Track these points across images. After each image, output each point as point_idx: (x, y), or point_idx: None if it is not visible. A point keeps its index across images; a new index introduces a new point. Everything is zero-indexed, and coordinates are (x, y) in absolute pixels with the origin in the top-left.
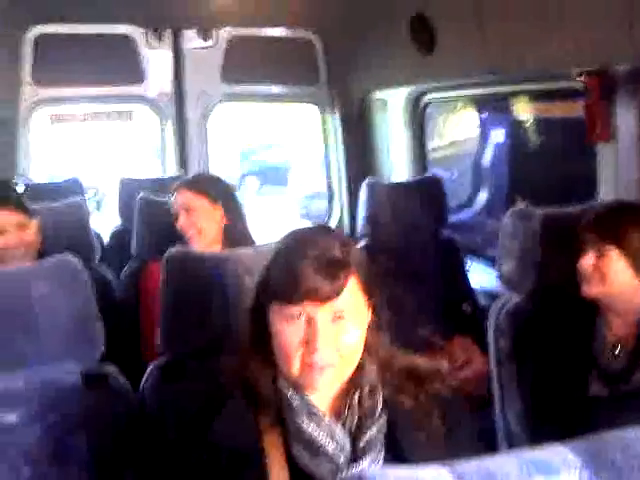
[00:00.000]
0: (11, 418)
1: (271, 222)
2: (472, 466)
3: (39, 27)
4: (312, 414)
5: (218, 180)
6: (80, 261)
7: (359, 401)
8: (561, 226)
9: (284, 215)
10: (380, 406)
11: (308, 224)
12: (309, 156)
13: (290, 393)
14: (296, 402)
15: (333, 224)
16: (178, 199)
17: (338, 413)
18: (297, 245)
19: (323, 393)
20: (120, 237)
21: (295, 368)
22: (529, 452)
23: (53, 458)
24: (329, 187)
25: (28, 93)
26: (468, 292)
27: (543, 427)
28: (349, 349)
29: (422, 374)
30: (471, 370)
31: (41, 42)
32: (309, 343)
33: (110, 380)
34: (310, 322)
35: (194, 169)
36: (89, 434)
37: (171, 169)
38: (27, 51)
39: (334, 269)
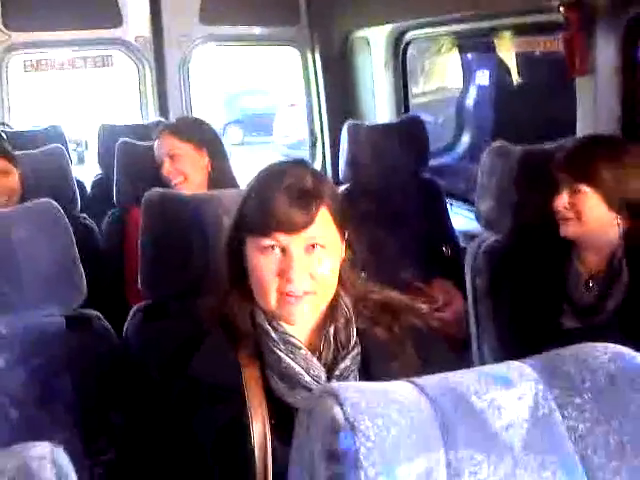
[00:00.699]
0: None
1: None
2: (434, 379)
3: None
4: (289, 346)
5: (202, 124)
6: (59, 207)
7: (334, 334)
8: (539, 163)
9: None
10: (354, 338)
11: None
12: (294, 103)
13: (267, 326)
14: (273, 334)
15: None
16: (162, 145)
17: (314, 346)
18: (269, 177)
19: (300, 325)
20: (101, 185)
21: (272, 300)
22: (489, 367)
23: (39, 400)
24: (311, 132)
25: (1, 39)
26: (450, 234)
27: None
28: (323, 278)
29: (397, 307)
30: (451, 312)
31: None
32: (284, 273)
33: (93, 323)
34: (284, 252)
35: (175, 115)
36: (73, 376)
37: (151, 115)
38: None
39: (305, 199)
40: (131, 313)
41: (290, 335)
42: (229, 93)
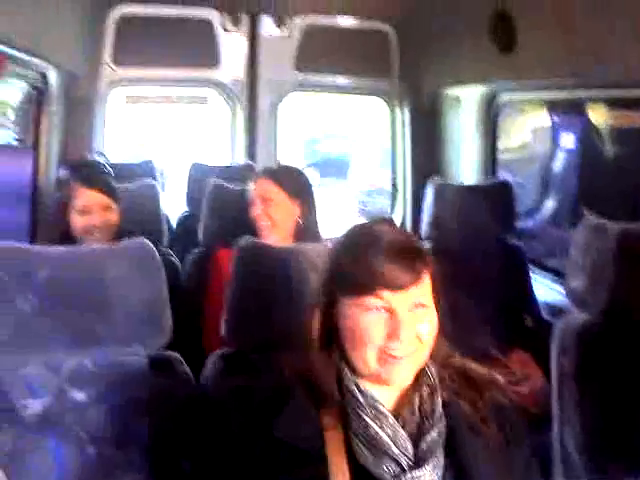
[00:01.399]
0: (80, 396)
1: (329, 216)
2: None
3: (121, 7)
4: (377, 412)
5: (301, 175)
6: (154, 247)
7: (419, 403)
8: (638, 243)
9: (342, 210)
10: (439, 409)
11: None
12: (371, 150)
13: (355, 389)
14: (361, 399)
15: (396, 222)
16: (258, 188)
17: (399, 413)
18: (364, 236)
19: (386, 392)
20: (187, 222)
21: (373, 361)
22: None
23: (116, 439)
24: (393, 184)
25: (107, 73)
26: (531, 304)
27: (603, 454)
28: (428, 338)
29: (480, 380)
30: (528, 387)
31: (122, 22)
32: (391, 334)
33: (174, 366)
34: (390, 312)
35: (262, 157)
36: (151, 419)
37: (239, 156)
38: (108, 31)
39: (410, 257)
40: (211, 360)
41: (377, 401)
42: (309, 136)
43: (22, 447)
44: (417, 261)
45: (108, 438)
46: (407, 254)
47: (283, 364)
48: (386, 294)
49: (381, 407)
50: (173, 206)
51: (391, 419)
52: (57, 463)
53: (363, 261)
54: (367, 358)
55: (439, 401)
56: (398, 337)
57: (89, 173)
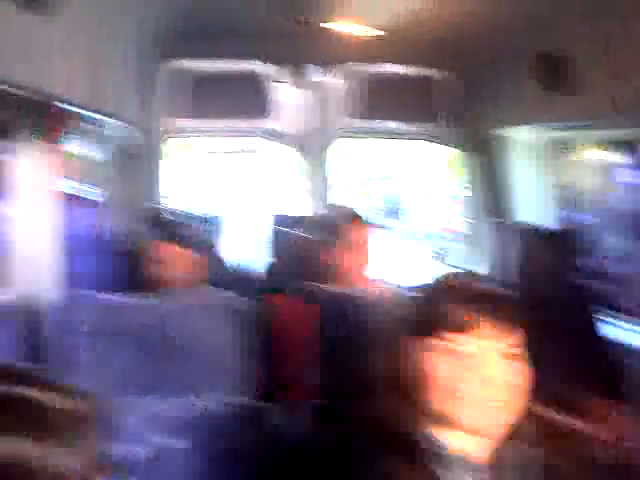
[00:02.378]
0: (175, 446)
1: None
2: None
3: (173, 62)
4: (466, 464)
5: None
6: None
7: (510, 457)
8: None
9: (416, 257)
10: (526, 459)
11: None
12: (427, 192)
13: (445, 442)
14: (447, 453)
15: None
16: (351, 233)
17: (487, 468)
18: (455, 284)
19: (477, 443)
20: (268, 271)
21: (449, 405)
22: None
23: None
24: (467, 229)
25: (162, 125)
26: (606, 348)
27: None
28: (520, 388)
29: (565, 430)
30: (607, 434)
31: (176, 76)
32: (472, 379)
33: (264, 417)
34: (482, 359)
35: (316, 203)
36: (243, 469)
37: (292, 203)
38: (162, 86)
39: (501, 305)
40: (298, 409)
41: (467, 453)
42: (366, 180)
43: None
44: (507, 311)
45: None
46: (498, 302)
47: (368, 413)
48: (478, 342)
49: (471, 459)
50: (246, 254)
51: (478, 474)
52: None
53: (442, 306)
54: (457, 407)
55: (526, 452)
56: (490, 386)
57: (170, 227)
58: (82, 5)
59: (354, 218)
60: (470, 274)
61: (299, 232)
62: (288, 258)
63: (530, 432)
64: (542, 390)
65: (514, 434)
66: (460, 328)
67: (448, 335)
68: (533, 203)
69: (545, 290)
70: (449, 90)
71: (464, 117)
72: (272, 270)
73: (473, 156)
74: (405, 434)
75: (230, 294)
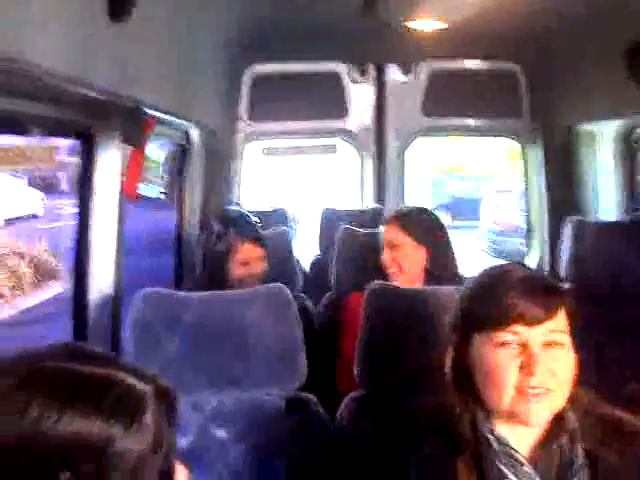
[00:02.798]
0: (221, 434)
1: (460, 257)
2: None
3: (255, 66)
4: (512, 460)
5: (428, 217)
6: (290, 292)
7: (558, 452)
8: None
9: (473, 251)
10: (581, 459)
11: (499, 262)
12: (502, 189)
13: (490, 436)
14: (496, 446)
15: (532, 263)
16: (384, 233)
17: (536, 462)
18: (499, 274)
19: (522, 439)
20: (319, 266)
21: (507, 397)
22: None
23: (254, 478)
24: (528, 224)
25: (242, 128)
26: None
27: None
28: (563, 377)
29: (628, 430)
30: None
31: (256, 80)
32: (524, 368)
33: (310, 408)
34: (523, 347)
35: (390, 201)
36: (287, 460)
37: (369, 200)
38: (245, 88)
39: (545, 292)
40: (344, 403)
41: (513, 449)
42: (439, 178)
43: None
44: (551, 296)
45: (246, 475)
46: (541, 289)
47: (416, 407)
48: (520, 329)
49: (517, 455)
50: (305, 250)
51: (527, 468)
52: None
53: (497, 296)
54: (501, 396)
55: (580, 451)
56: (532, 372)
57: (246, 226)
58: (168, 14)
59: (388, 220)
60: (518, 265)
61: (368, 229)
62: (360, 255)
63: (594, 432)
64: (612, 389)
65: (568, 431)
66: (506, 315)
67: (494, 323)
68: (612, 198)
69: (621, 286)
70: (532, 84)
71: (548, 112)
72: (346, 267)
73: (554, 151)
74: (450, 426)
75: (297, 292)
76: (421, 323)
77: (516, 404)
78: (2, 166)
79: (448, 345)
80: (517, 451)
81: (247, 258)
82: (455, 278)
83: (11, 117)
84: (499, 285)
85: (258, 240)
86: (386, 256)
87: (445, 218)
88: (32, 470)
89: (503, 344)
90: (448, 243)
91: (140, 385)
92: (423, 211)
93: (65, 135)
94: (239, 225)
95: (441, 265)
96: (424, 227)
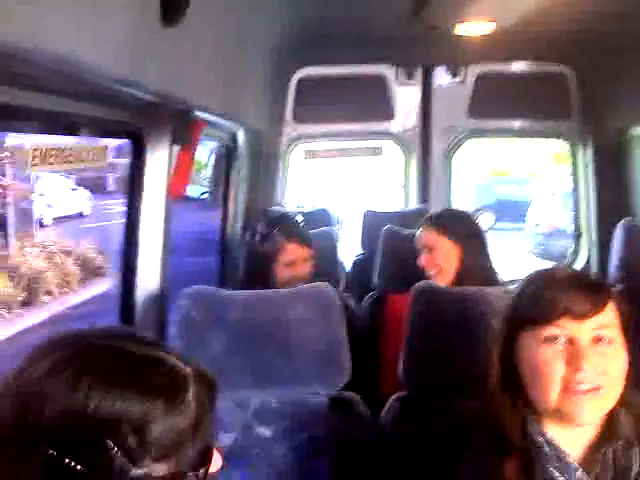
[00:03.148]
0: (266, 432)
1: (504, 259)
2: None
3: (303, 69)
4: (564, 465)
5: (465, 219)
6: (335, 291)
7: (613, 457)
8: None
9: (519, 253)
10: (637, 465)
11: (545, 264)
12: (549, 192)
13: (540, 439)
14: (547, 449)
15: (579, 265)
16: (422, 236)
17: (589, 468)
18: (546, 272)
19: (575, 443)
20: (361, 265)
21: (554, 395)
22: None
23: (298, 477)
24: (576, 226)
25: (288, 130)
26: None
27: None
28: (613, 374)
29: None
30: None
31: (303, 83)
32: (571, 363)
33: (353, 407)
34: (570, 342)
35: (435, 203)
36: (331, 458)
37: (413, 202)
38: (291, 91)
39: (593, 287)
40: (389, 403)
41: (565, 453)
42: (482, 180)
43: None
44: (597, 290)
45: (290, 473)
46: (587, 284)
47: (463, 409)
48: (567, 323)
49: (569, 459)
50: (347, 251)
51: (580, 472)
52: None
53: (543, 291)
54: (548, 393)
55: (637, 457)
56: (579, 368)
57: (293, 227)
58: (219, 18)
59: (425, 222)
60: (565, 266)
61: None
62: (403, 256)
63: None
64: None
65: (624, 436)
66: (552, 309)
67: (540, 318)
68: None
69: None
70: (584, 86)
71: (599, 114)
72: (389, 268)
73: (604, 153)
74: (499, 429)
75: (342, 291)
76: (469, 324)
77: (564, 402)
78: (56, 166)
79: (495, 345)
80: (569, 455)
81: (293, 259)
82: (490, 282)
83: (65, 118)
84: (546, 282)
85: (304, 240)
86: (424, 258)
87: (488, 219)
88: (80, 438)
89: (550, 339)
90: (485, 246)
91: (183, 366)
92: (459, 213)
93: (116, 136)
94: (285, 225)
95: (476, 267)
96: (461, 227)
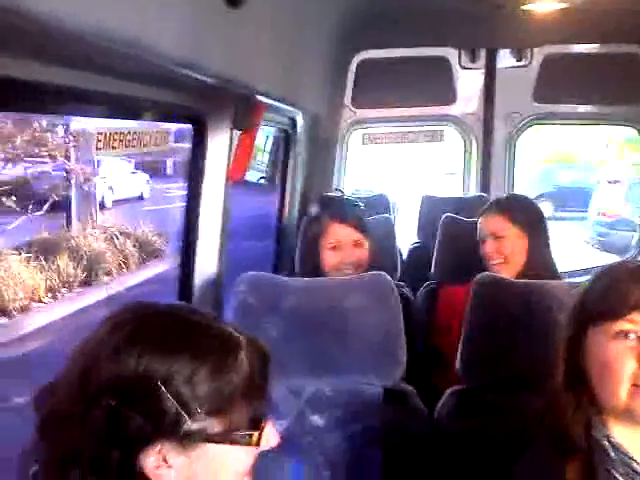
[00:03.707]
0: (318, 421)
1: (565, 249)
2: None
3: (363, 52)
4: (629, 470)
5: (531, 205)
6: (391, 281)
7: None
8: None
9: (579, 242)
10: None
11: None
12: (612, 180)
13: (606, 443)
14: (612, 453)
15: None
16: (488, 223)
17: None
18: (617, 266)
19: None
20: (418, 254)
21: (623, 392)
22: None
23: (350, 467)
24: (613, 212)
25: (347, 115)
26: None
27: None
28: None
29: None
30: None
31: (362, 66)
32: None
33: (408, 399)
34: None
35: (495, 190)
36: (384, 451)
37: (472, 189)
38: (350, 75)
39: None
40: (445, 396)
41: (631, 458)
42: (545, 166)
43: (263, 466)
44: None
45: (342, 463)
46: None
47: (524, 405)
48: (638, 318)
49: (635, 464)
50: (404, 239)
51: None
52: None
53: (614, 285)
54: (617, 391)
55: None
56: None
57: (341, 209)
58: (280, 1)
59: (492, 208)
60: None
61: (471, 217)
62: (462, 245)
63: None
64: None
65: None
66: (623, 303)
67: (611, 313)
68: None
69: None
70: None
71: None
72: (448, 257)
73: None
74: (562, 428)
75: (397, 281)
76: (531, 319)
77: (633, 400)
78: (119, 150)
79: (561, 341)
80: (636, 461)
81: (336, 241)
82: (554, 277)
83: (127, 101)
84: (617, 275)
85: (352, 223)
86: (489, 247)
87: (547, 208)
88: (136, 391)
89: (620, 335)
90: (548, 237)
91: (236, 333)
92: (527, 200)
93: (178, 120)
94: (332, 207)
95: (540, 260)
96: (529, 215)
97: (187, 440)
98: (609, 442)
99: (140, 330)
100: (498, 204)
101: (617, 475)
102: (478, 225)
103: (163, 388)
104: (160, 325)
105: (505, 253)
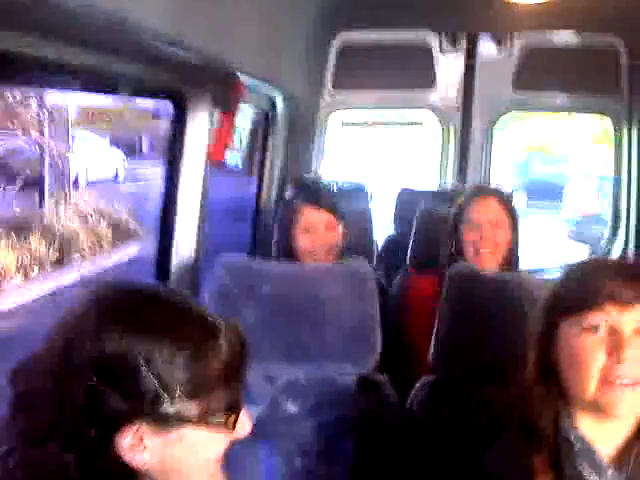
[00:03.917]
0: (292, 408)
1: (537, 243)
2: None
3: (344, 34)
4: (594, 462)
5: (511, 198)
6: (370, 268)
7: None
8: None
9: (551, 237)
10: None
11: (579, 247)
12: (587, 174)
13: (572, 436)
14: (577, 446)
15: (616, 252)
16: (487, 209)
17: (620, 467)
18: (592, 261)
19: (606, 441)
20: (392, 246)
21: (591, 385)
22: None
23: (323, 455)
24: (615, 210)
25: (327, 97)
26: None
27: None
28: None
29: None
30: None
31: (344, 48)
32: (612, 354)
33: (381, 388)
34: (614, 331)
35: (472, 179)
36: (356, 439)
37: (449, 178)
38: (331, 57)
39: (637, 275)
40: (417, 386)
41: (596, 452)
42: (520, 157)
43: (235, 453)
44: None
45: (314, 452)
46: (632, 272)
47: (495, 397)
48: (611, 310)
49: (598, 457)
50: (378, 230)
51: (610, 472)
52: (267, 473)
53: (587, 278)
54: (586, 383)
55: None
56: (621, 359)
57: (315, 192)
58: None
59: (489, 193)
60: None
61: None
62: (437, 235)
63: None
64: None
65: None
66: (595, 295)
67: (583, 305)
68: None
69: None
70: (635, 59)
71: None
72: (414, 248)
73: None
74: (530, 419)
75: (370, 267)
76: (504, 311)
77: (601, 394)
78: (97, 125)
79: (533, 333)
80: (601, 453)
81: (309, 224)
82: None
83: (106, 76)
84: (591, 268)
85: (324, 206)
86: (485, 233)
87: (521, 199)
88: (116, 369)
89: (591, 328)
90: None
91: (213, 317)
92: (506, 189)
93: (158, 97)
94: (306, 190)
95: (515, 255)
96: (514, 210)
97: (164, 422)
98: (575, 434)
99: (123, 309)
100: (494, 190)
101: (582, 466)
102: (467, 210)
103: (145, 367)
104: (143, 305)
105: (498, 242)
